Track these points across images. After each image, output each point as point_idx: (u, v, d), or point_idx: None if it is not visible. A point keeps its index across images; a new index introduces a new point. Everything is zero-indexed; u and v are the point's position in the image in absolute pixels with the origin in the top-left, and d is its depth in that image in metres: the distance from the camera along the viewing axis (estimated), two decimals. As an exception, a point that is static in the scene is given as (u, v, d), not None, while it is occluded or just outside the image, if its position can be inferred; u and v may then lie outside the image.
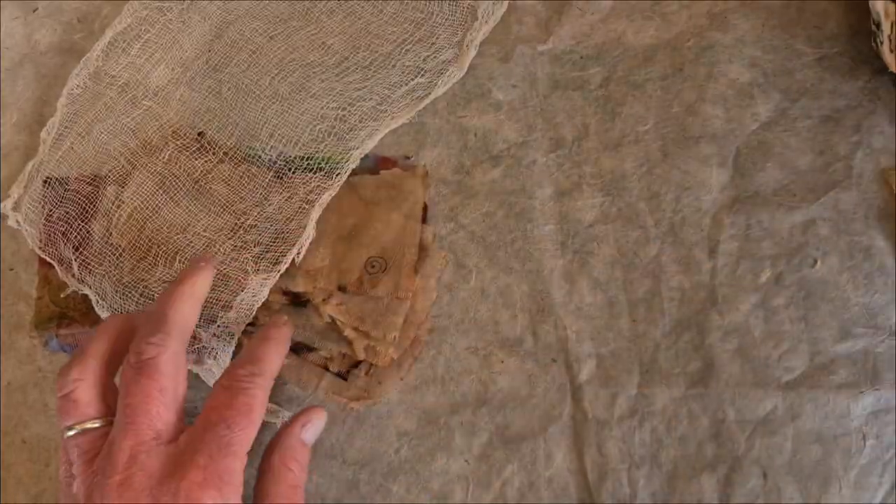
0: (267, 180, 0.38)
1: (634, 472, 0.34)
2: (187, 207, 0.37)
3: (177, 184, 0.38)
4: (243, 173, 0.38)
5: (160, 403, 0.29)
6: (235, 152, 0.38)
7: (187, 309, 0.31)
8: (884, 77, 0.38)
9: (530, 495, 0.34)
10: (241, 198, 0.37)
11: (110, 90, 0.39)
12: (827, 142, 0.38)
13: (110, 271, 0.36)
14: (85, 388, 0.30)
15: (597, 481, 0.34)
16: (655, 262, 0.36)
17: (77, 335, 0.37)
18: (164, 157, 0.38)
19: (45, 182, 0.38)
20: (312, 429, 0.33)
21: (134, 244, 0.37)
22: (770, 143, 0.38)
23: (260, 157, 0.38)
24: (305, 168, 0.38)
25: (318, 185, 0.37)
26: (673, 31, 0.39)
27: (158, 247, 0.37)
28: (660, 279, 0.36)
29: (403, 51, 0.39)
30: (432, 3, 0.40)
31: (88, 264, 0.37)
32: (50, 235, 0.37)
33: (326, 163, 0.38)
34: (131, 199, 0.37)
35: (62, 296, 0.37)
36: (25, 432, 0.36)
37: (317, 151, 0.38)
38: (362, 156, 0.38)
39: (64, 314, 0.37)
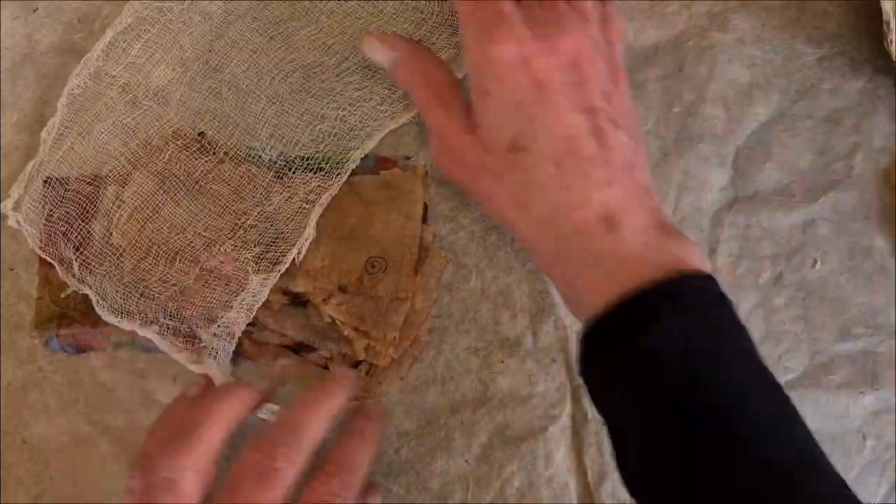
0: (267, 180, 0.38)
1: (634, 472, 0.34)
2: (188, 207, 0.37)
3: (177, 184, 0.38)
4: (243, 173, 0.38)
5: None
6: (236, 152, 0.38)
7: (319, 426, 0.30)
8: (884, 77, 0.38)
9: (530, 495, 0.34)
10: (241, 198, 0.37)
11: (111, 90, 0.39)
12: (827, 142, 0.38)
13: (111, 271, 0.36)
14: (194, 479, 0.28)
15: (597, 481, 0.34)
16: (655, 262, 0.36)
17: (77, 335, 0.37)
18: (164, 158, 0.38)
19: (45, 182, 0.38)
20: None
21: (134, 244, 0.37)
22: (770, 143, 0.38)
23: (260, 157, 0.38)
24: (305, 168, 0.38)
25: (319, 185, 0.37)
26: (673, 31, 0.39)
27: (159, 247, 0.37)
28: (660, 279, 0.36)
29: (403, 51, 0.39)
30: (432, 3, 0.40)
31: (89, 264, 0.37)
32: (50, 235, 0.37)
33: (326, 163, 0.38)
34: (132, 199, 0.37)
35: (63, 296, 0.37)
36: (25, 432, 0.36)
37: (317, 151, 0.38)
38: (362, 156, 0.38)
39: (64, 314, 0.37)
